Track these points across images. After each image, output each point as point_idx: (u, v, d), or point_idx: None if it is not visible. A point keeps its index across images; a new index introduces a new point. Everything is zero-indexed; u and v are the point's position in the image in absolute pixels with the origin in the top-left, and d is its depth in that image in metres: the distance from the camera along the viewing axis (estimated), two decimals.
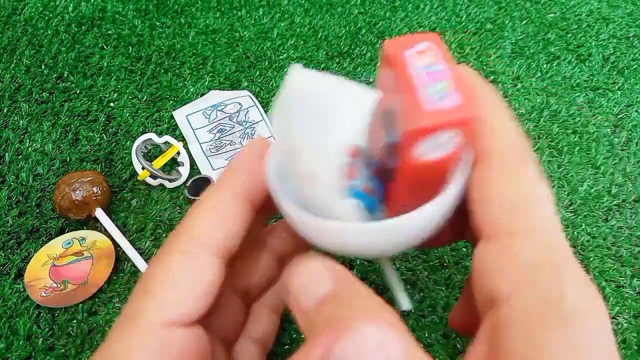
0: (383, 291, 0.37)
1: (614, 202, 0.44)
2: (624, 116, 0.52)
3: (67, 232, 0.41)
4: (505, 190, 0.18)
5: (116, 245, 0.40)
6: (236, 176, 0.20)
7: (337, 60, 0.58)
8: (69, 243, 0.40)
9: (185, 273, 0.18)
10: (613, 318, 0.36)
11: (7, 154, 0.47)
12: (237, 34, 0.60)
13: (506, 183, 0.18)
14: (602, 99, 0.54)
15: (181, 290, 0.18)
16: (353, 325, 0.14)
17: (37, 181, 0.45)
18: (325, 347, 0.14)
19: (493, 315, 0.16)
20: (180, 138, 0.49)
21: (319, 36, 0.61)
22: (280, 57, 0.58)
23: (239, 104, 0.52)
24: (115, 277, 0.39)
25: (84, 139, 0.48)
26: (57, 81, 0.54)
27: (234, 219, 0.19)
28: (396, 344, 0.14)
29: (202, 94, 0.53)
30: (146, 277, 0.18)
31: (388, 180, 0.20)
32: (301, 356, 0.14)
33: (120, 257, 0.40)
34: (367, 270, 0.39)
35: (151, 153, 0.47)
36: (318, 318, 0.15)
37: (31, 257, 0.39)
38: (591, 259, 0.40)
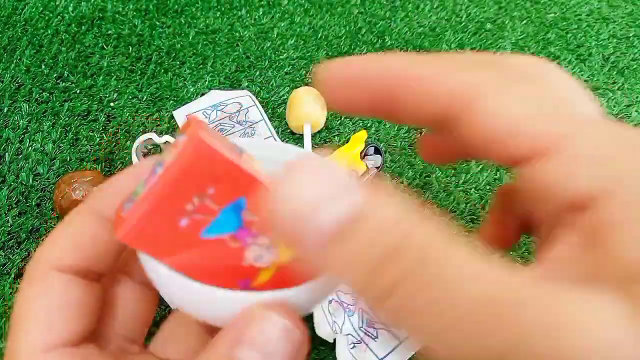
0: None
1: None
2: (624, 116, 0.52)
3: None
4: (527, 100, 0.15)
5: None
6: (105, 196, 0.19)
7: None
8: None
9: (46, 298, 0.18)
10: None
11: (7, 153, 0.47)
12: (237, 34, 0.60)
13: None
14: (602, 98, 0.54)
15: (48, 315, 0.18)
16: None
17: (37, 181, 0.45)
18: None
19: (584, 218, 0.14)
20: None
21: (319, 36, 0.61)
22: (280, 57, 0.58)
23: (239, 103, 0.52)
24: None
25: (84, 139, 0.48)
26: (57, 81, 0.54)
27: (95, 239, 0.19)
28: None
29: (202, 94, 0.53)
30: (14, 309, 0.19)
31: None
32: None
33: None
34: None
35: (151, 153, 0.47)
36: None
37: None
38: None
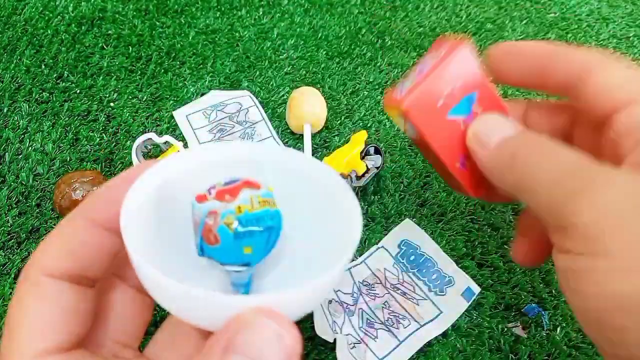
0: None
1: None
2: None
3: None
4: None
5: None
6: (96, 202, 0.20)
7: (337, 60, 0.58)
8: None
9: (39, 305, 0.18)
10: None
11: (7, 154, 0.47)
12: (237, 34, 0.60)
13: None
14: None
15: (41, 322, 0.18)
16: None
17: (37, 181, 0.45)
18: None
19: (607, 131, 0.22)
20: (180, 138, 0.49)
21: (319, 36, 0.61)
22: (280, 57, 0.58)
23: (239, 104, 0.52)
24: None
25: (84, 139, 0.48)
26: (57, 81, 0.54)
27: (87, 245, 0.19)
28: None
29: (202, 94, 0.53)
30: (8, 315, 0.19)
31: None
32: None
33: None
34: None
35: (151, 153, 0.47)
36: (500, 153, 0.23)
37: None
38: None
